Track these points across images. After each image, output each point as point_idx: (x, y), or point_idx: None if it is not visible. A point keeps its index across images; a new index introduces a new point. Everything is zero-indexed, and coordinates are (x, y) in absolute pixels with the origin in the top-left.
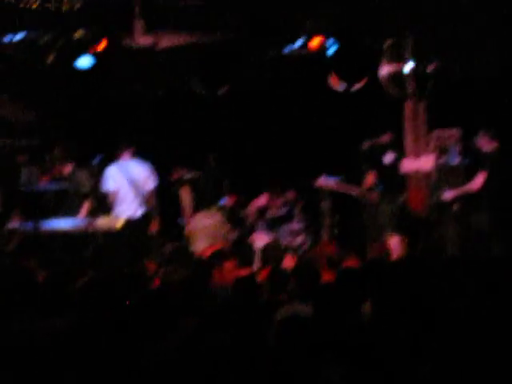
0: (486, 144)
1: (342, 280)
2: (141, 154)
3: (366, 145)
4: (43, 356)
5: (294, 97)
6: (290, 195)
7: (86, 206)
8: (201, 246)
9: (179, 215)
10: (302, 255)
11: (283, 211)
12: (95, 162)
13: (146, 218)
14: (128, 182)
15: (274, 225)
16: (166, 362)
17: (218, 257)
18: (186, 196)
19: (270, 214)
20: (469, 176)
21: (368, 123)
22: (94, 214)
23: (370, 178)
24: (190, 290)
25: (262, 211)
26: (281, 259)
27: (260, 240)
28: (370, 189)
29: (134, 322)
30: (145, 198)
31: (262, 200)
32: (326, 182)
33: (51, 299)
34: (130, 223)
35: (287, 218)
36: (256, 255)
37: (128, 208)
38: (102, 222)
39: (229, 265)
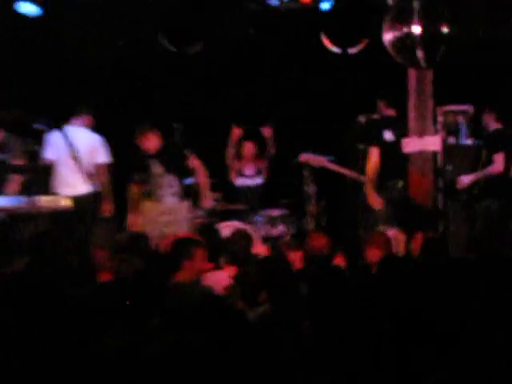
0: (492, 123)
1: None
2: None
3: (362, 119)
4: None
5: (281, 58)
6: (262, 164)
7: (15, 181)
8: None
9: None
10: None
11: (257, 181)
12: (37, 127)
13: (94, 198)
14: (71, 152)
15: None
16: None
17: (186, 245)
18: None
19: (240, 181)
20: (478, 158)
21: (367, 93)
22: (28, 190)
23: (375, 154)
24: (149, 285)
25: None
26: (248, 252)
27: (228, 227)
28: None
29: (76, 322)
30: (93, 173)
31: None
32: (312, 158)
33: None
34: (76, 203)
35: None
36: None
37: (69, 183)
38: (46, 201)
39: (199, 254)
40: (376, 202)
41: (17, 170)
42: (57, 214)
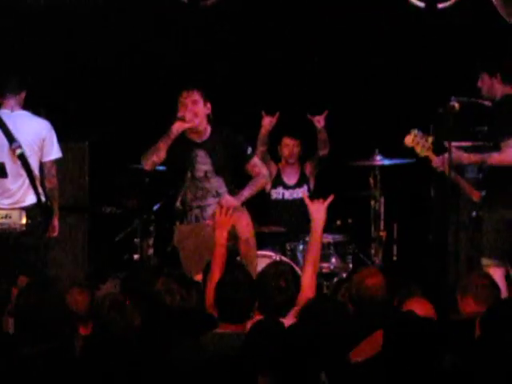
0: None
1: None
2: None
3: (455, 102)
4: None
5: (339, 14)
6: (308, 168)
7: None
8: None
9: None
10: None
11: (301, 193)
12: None
13: (43, 212)
14: (13, 147)
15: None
16: None
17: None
18: None
19: (277, 193)
20: None
21: (462, 67)
22: None
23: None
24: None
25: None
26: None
27: (266, 261)
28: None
29: None
30: (41, 175)
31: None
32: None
33: None
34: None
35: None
36: None
37: (9, 191)
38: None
39: None
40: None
41: None
42: (7, 237)
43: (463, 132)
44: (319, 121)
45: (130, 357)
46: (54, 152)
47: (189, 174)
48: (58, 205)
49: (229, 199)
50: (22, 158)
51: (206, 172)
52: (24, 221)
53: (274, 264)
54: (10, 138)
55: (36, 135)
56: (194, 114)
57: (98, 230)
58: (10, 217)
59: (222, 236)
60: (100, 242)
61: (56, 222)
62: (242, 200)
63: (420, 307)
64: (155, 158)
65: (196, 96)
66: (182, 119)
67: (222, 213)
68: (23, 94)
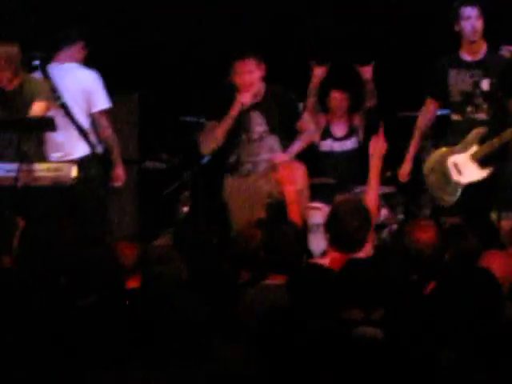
0: None
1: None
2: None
3: (506, 51)
4: None
5: None
6: (357, 120)
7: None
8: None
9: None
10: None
11: (350, 144)
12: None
13: (97, 163)
14: (56, 99)
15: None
16: None
17: None
18: None
19: (327, 145)
20: None
21: None
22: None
23: None
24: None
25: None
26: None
27: (316, 212)
28: None
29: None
30: (93, 126)
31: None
32: None
33: None
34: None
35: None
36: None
37: (58, 144)
38: (45, 170)
39: None
40: None
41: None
42: (58, 189)
43: None
44: (366, 72)
45: (176, 309)
46: (101, 102)
47: (244, 137)
48: (119, 153)
49: (280, 155)
50: (65, 108)
51: (261, 134)
52: (74, 174)
53: (348, 201)
54: (52, 90)
55: (79, 86)
56: (250, 83)
57: (148, 183)
58: (61, 170)
59: (291, 193)
60: (149, 195)
61: (120, 171)
62: (292, 155)
63: (499, 262)
64: (214, 145)
65: (251, 65)
66: (239, 100)
67: (285, 168)
68: (76, 47)
